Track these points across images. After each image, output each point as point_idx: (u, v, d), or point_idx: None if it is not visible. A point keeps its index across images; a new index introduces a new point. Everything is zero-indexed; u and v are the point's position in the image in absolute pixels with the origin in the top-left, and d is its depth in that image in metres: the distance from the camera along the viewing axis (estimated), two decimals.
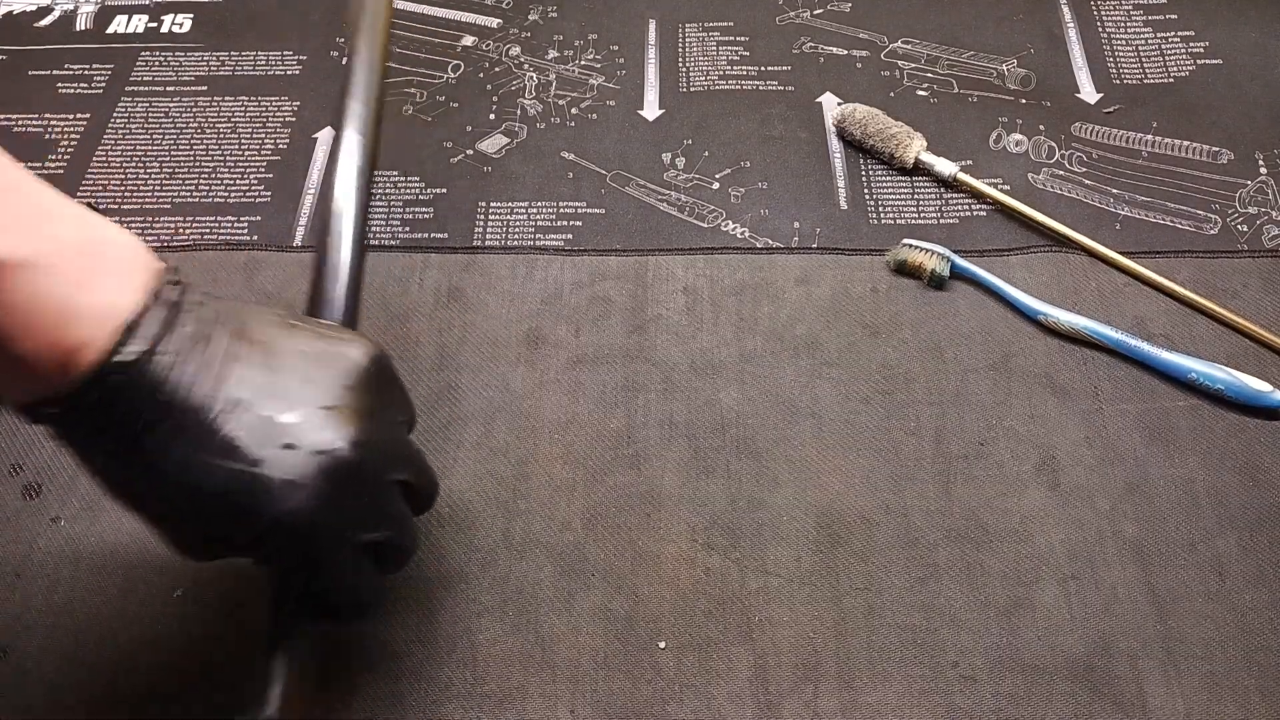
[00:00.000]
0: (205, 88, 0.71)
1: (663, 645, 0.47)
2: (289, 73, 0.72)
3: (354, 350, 0.38)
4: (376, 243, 0.62)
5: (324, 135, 0.68)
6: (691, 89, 0.70)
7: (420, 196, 0.65)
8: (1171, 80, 0.70)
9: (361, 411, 0.37)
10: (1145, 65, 0.71)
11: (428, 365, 0.56)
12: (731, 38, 0.73)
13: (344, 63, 0.50)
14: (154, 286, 0.34)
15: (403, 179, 0.66)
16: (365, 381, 0.38)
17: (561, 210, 0.64)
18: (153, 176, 0.66)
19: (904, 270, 0.60)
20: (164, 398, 0.33)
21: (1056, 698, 0.45)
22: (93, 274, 0.33)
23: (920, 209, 0.63)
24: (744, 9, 0.75)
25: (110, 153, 0.67)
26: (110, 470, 0.35)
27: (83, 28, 0.75)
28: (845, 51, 0.72)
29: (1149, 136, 0.66)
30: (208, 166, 0.67)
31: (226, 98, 0.70)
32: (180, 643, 0.47)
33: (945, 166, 0.63)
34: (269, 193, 0.65)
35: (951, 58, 0.71)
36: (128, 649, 0.47)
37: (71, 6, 0.77)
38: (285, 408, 0.35)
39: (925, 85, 0.70)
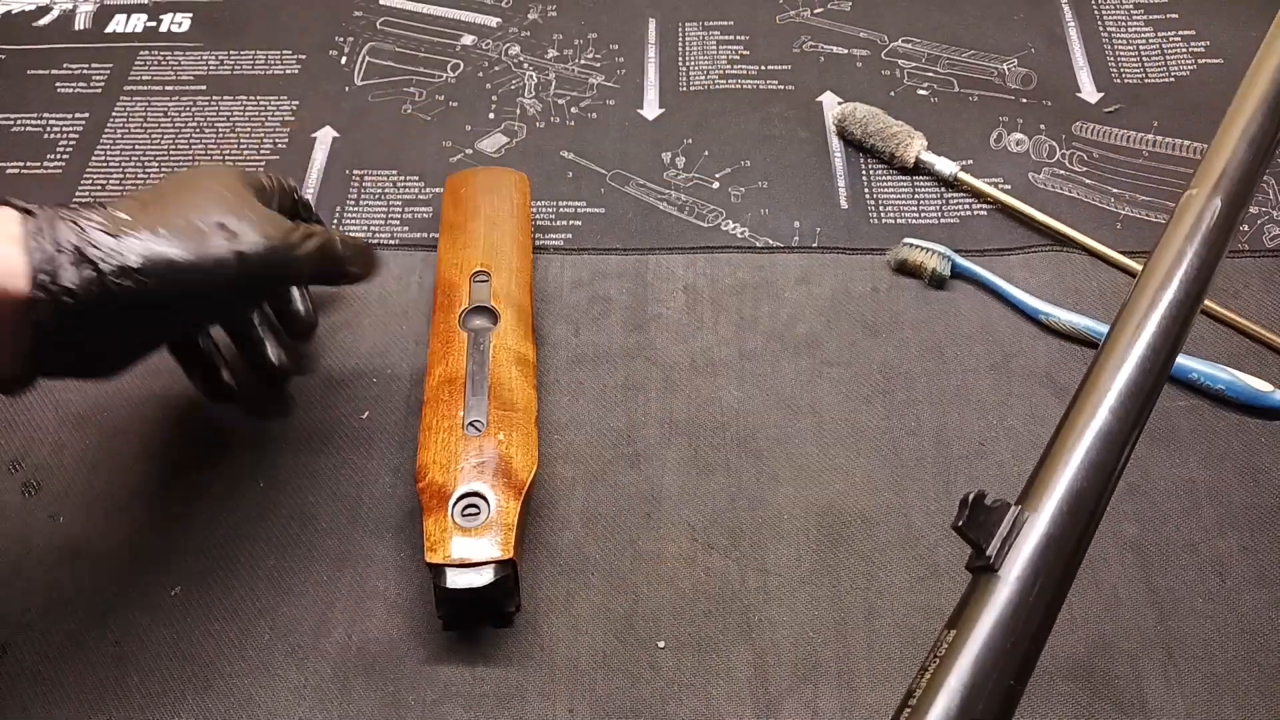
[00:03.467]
0: (204, 87, 0.71)
1: (662, 645, 0.47)
2: (288, 72, 0.72)
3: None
4: (376, 241, 0.62)
5: (322, 135, 0.68)
6: (691, 88, 0.70)
7: (419, 196, 0.65)
8: (1172, 79, 0.69)
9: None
10: (1146, 64, 0.70)
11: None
12: (731, 37, 0.73)
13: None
14: None
15: (401, 178, 0.66)
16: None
17: (561, 209, 0.64)
18: (152, 176, 0.66)
19: (904, 270, 0.60)
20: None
21: (1056, 698, 0.45)
22: None
23: (921, 208, 0.63)
24: (744, 8, 0.75)
25: (109, 152, 0.67)
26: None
27: (81, 27, 0.75)
28: (846, 50, 0.72)
29: (1150, 136, 0.66)
30: None
31: (225, 97, 0.70)
32: (178, 641, 0.47)
33: (946, 166, 0.63)
34: None
35: (952, 57, 0.71)
36: (126, 647, 0.47)
37: (70, 6, 0.76)
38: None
39: (926, 84, 0.70)
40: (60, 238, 0.38)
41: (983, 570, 0.29)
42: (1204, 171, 0.34)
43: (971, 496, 0.29)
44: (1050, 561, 0.29)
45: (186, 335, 0.50)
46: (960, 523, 0.29)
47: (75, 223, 0.39)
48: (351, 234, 0.62)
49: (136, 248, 0.39)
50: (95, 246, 0.38)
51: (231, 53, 0.73)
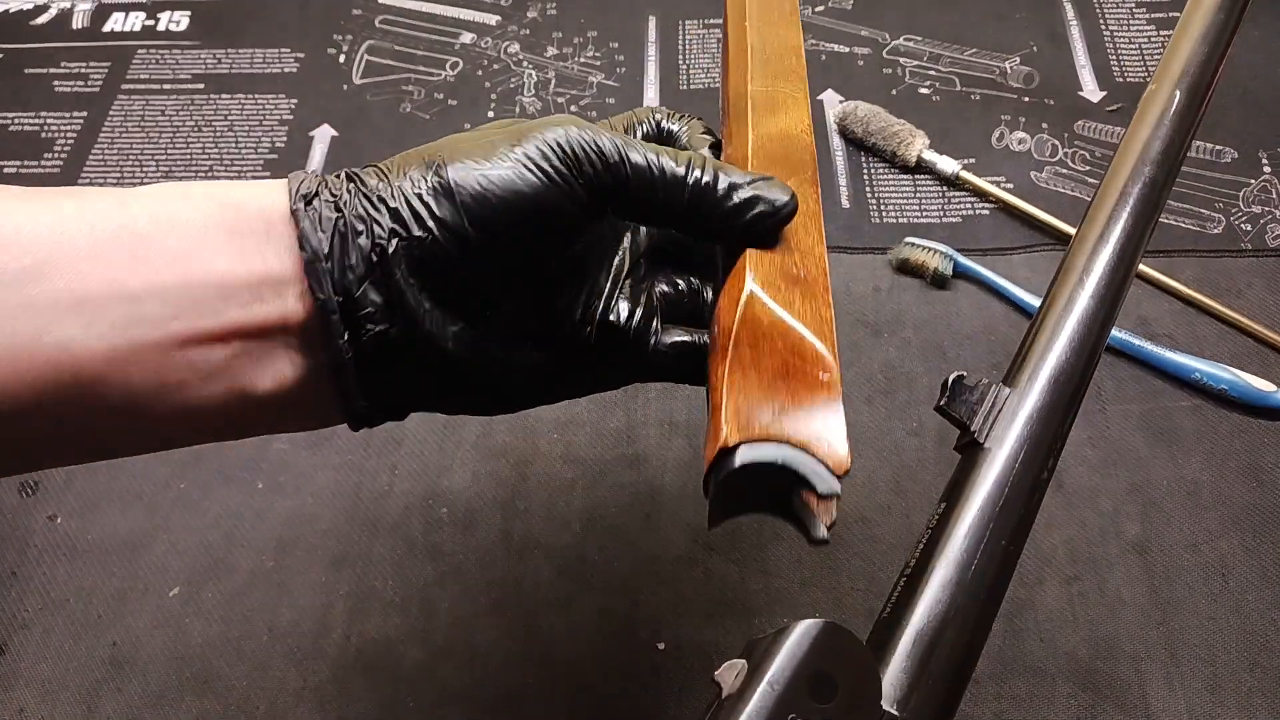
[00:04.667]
0: (202, 85, 0.71)
1: (662, 646, 0.47)
2: (286, 70, 0.72)
3: None
4: None
5: (320, 133, 0.68)
6: (691, 86, 0.70)
7: None
8: None
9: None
10: (1148, 63, 0.70)
11: None
12: None
13: None
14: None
15: None
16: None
17: None
18: (150, 175, 0.66)
19: (906, 269, 0.59)
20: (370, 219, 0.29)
21: (1059, 700, 0.45)
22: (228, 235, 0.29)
23: (922, 207, 0.63)
24: None
25: (107, 151, 0.67)
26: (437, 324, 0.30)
27: (79, 25, 0.75)
28: (847, 49, 0.72)
29: None
30: (205, 165, 0.66)
31: (224, 95, 0.70)
32: (177, 643, 0.47)
33: (948, 165, 0.63)
34: None
35: (954, 55, 0.71)
36: (123, 647, 0.47)
37: (68, 4, 0.76)
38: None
39: (927, 83, 0.69)
40: (328, 194, 0.30)
41: (970, 447, 0.30)
42: (1163, 69, 0.37)
43: (952, 378, 0.30)
44: (1037, 432, 0.29)
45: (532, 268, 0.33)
46: (943, 402, 0.30)
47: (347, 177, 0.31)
48: None
49: (392, 163, 0.31)
50: (360, 175, 0.30)
51: (230, 51, 0.73)
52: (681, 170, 0.31)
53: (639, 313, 0.35)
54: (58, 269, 0.26)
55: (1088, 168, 0.64)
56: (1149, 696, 0.45)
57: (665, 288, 0.36)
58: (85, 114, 0.69)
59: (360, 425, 0.31)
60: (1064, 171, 0.64)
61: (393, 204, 0.29)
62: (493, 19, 0.75)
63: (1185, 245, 0.60)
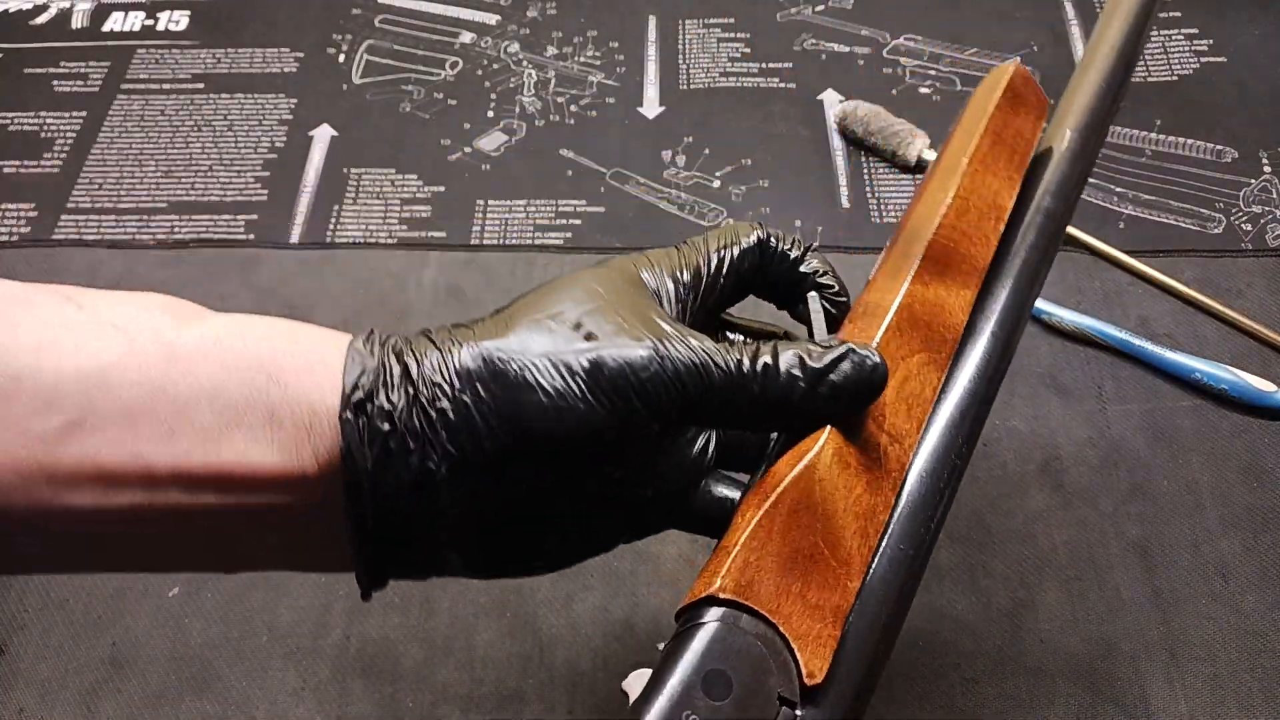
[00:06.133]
0: (202, 85, 0.71)
1: (661, 646, 0.47)
2: (286, 70, 0.72)
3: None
4: (374, 240, 0.62)
5: (320, 133, 0.68)
6: (692, 86, 0.70)
7: (418, 194, 0.64)
8: (1175, 78, 0.69)
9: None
10: (1149, 63, 0.70)
11: None
12: (732, 34, 0.73)
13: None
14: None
15: (400, 176, 0.65)
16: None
17: (561, 208, 0.64)
18: (149, 175, 0.66)
19: None
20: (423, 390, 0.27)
21: (1059, 700, 0.45)
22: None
23: None
24: (744, 5, 0.75)
25: (106, 151, 0.67)
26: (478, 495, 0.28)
27: (79, 25, 0.75)
28: (847, 48, 0.72)
29: (1153, 135, 0.66)
30: (204, 164, 0.66)
31: (223, 95, 0.70)
32: (176, 643, 0.47)
33: None
34: (266, 191, 0.65)
35: (954, 55, 0.71)
36: (122, 648, 0.47)
37: (68, 4, 0.76)
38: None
39: (928, 83, 0.69)
40: (384, 356, 0.28)
41: None
42: (1062, 109, 0.40)
43: None
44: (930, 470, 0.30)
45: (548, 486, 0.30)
46: None
47: (407, 340, 0.29)
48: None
49: (455, 359, 0.28)
50: (418, 362, 0.28)
51: (229, 51, 0.73)
52: (763, 381, 0.28)
53: (692, 460, 0.32)
54: (87, 433, 0.25)
55: None
56: (1149, 696, 0.45)
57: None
58: (85, 114, 0.69)
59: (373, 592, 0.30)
60: None
61: (452, 420, 0.27)
62: (492, 18, 0.75)
63: (1186, 245, 0.60)
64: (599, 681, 0.46)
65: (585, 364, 0.27)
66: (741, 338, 0.34)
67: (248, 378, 0.27)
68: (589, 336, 0.28)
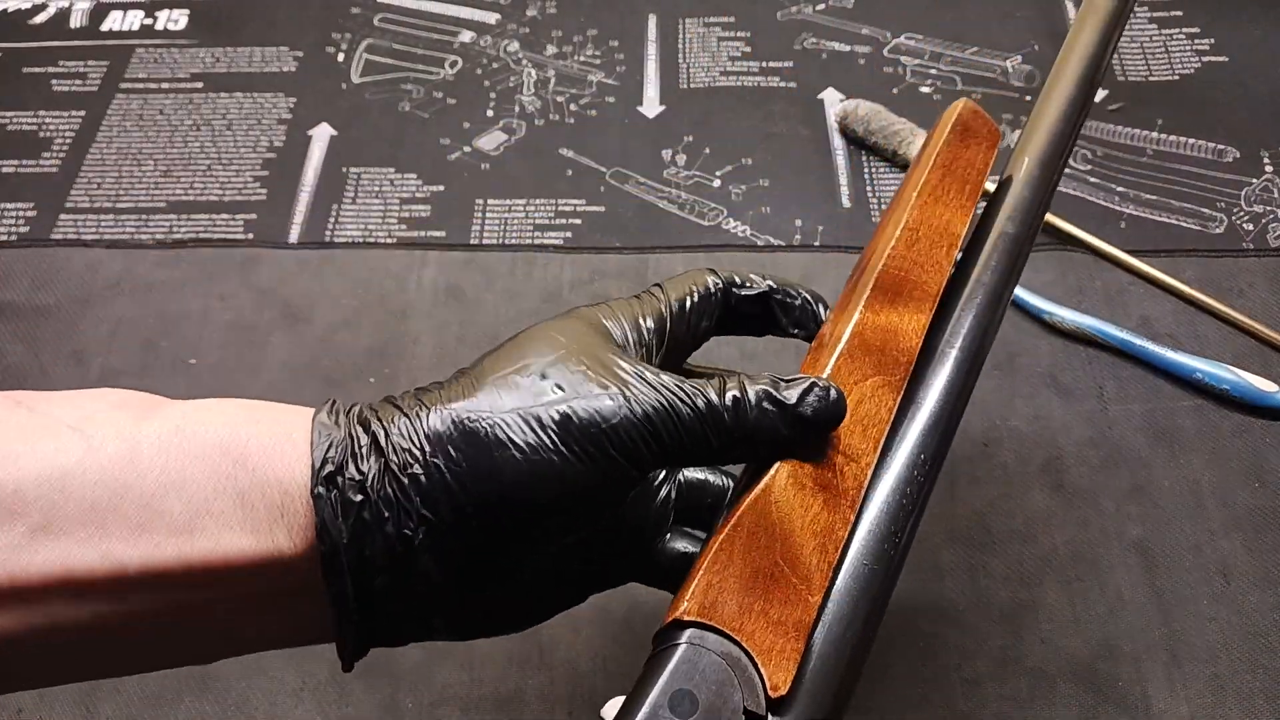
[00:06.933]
0: (201, 84, 0.71)
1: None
2: (285, 69, 0.71)
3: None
4: (373, 240, 0.62)
5: (319, 132, 0.68)
6: (692, 85, 0.70)
7: (417, 194, 0.64)
8: (1177, 78, 0.69)
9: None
10: (1150, 62, 0.70)
11: (426, 363, 0.56)
12: (732, 33, 0.73)
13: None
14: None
15: (399, 176, 0.65)
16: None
17: (560, 208, 0.63)
18: (148, 174, 0.66)
19: None
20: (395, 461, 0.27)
21: (1059, 701, 0.45)
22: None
23: None
24: (745, 4, 0.75)
25: (105, 150, 0.67)
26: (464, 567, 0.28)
27: (77, 24, 0.75)
28: (848, 47, 0.72)
29: (1154, 134, 0.65)
30: (203, 164, 0.66)
31: (222, 94, 0.70)
32: None
33: None
34: (264, 190, 0.65)
35: (955, 54, 0.71)
36: None
37: (66, 3, 0.76)
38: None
39: (929, 82, 0.69)
40: (350, 426, 0.28)
41: None
42: (1024, 140, 0.41)
43: None
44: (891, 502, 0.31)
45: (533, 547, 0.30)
46: None
47: (372, 408, 0.29)
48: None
49: (424, 423, 0.28)
50: (385, 430, 0.28)
51: (228, 50, 0.73)
52: (735, 414, 0.29)
53: (654, 515, 0.34)
54: (54, 537, 0.25)
55: (1089, 167, 0.64)
56: (1150, 697, 0.45)
57: (692, 475, 0.35)
58: (83, 113, 0.69)
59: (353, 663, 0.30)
60: (1066, 171, 0.64)
61: (425, 485, 0.27)
62: (492, 17, 0.75)
63: (1187, 245, 0.60)
64: (599, 682, 0.46)
65: (555, 415, 0.27)
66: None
67: (213, 465, 0.26)
68: (557, 387, 0.28)
